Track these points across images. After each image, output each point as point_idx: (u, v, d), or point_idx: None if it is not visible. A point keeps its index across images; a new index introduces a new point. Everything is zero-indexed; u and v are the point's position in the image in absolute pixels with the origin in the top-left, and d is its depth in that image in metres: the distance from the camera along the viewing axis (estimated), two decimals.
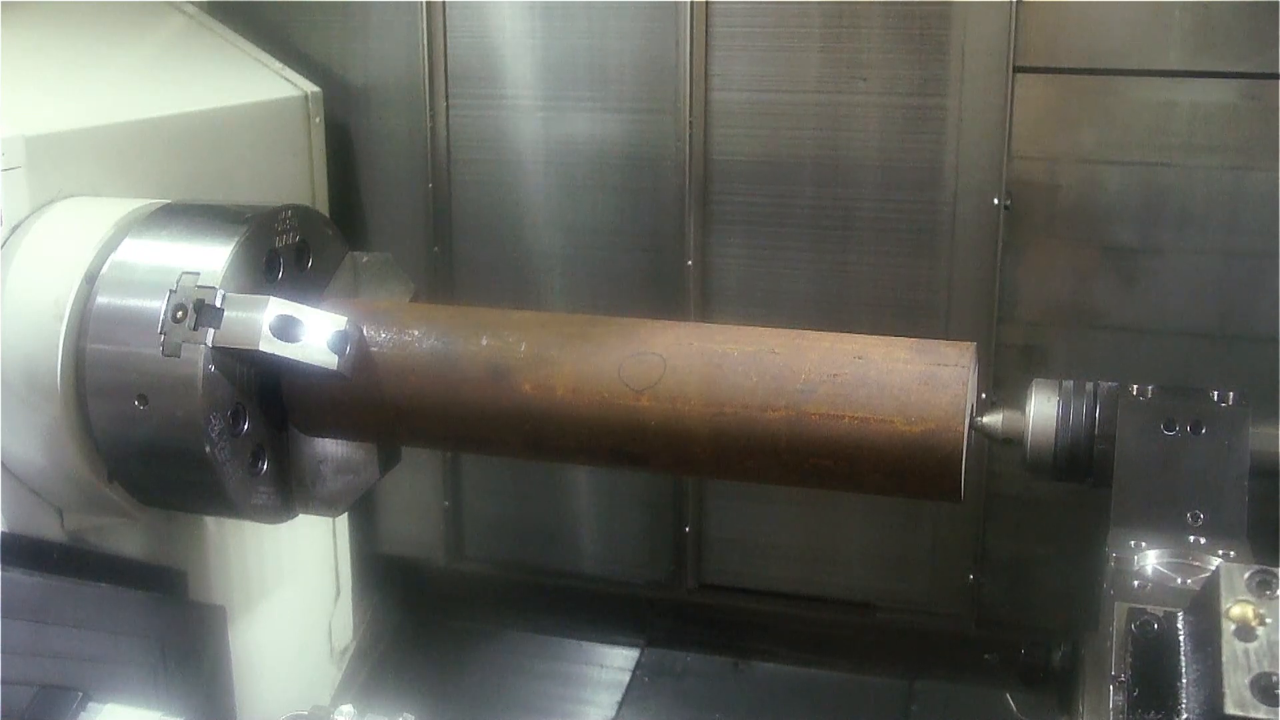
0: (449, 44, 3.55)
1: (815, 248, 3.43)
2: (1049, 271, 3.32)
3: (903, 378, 2.20)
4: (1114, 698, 1.76)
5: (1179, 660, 1.73)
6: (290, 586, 3.35)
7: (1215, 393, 2.33)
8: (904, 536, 3.62)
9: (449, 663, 3.93)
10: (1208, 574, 1.95)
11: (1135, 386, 2.35)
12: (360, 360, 2.42)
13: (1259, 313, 3.15)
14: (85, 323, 2.32)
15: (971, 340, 2.24)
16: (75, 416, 2.34)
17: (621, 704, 3.74)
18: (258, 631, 3.16)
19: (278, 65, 3.40)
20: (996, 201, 3.25)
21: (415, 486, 3.91)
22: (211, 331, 2.25)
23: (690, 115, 3.38)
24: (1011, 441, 2.37)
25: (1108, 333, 3.31)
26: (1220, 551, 2.16)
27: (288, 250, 2.48)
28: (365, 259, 2.67)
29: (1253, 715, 1.49)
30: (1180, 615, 1.81)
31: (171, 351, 2.25)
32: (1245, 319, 3.19)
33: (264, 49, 3.43)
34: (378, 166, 3.71)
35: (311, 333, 2.30)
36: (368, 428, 2.51)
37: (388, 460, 2.62)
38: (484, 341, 2.44)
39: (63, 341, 2.31)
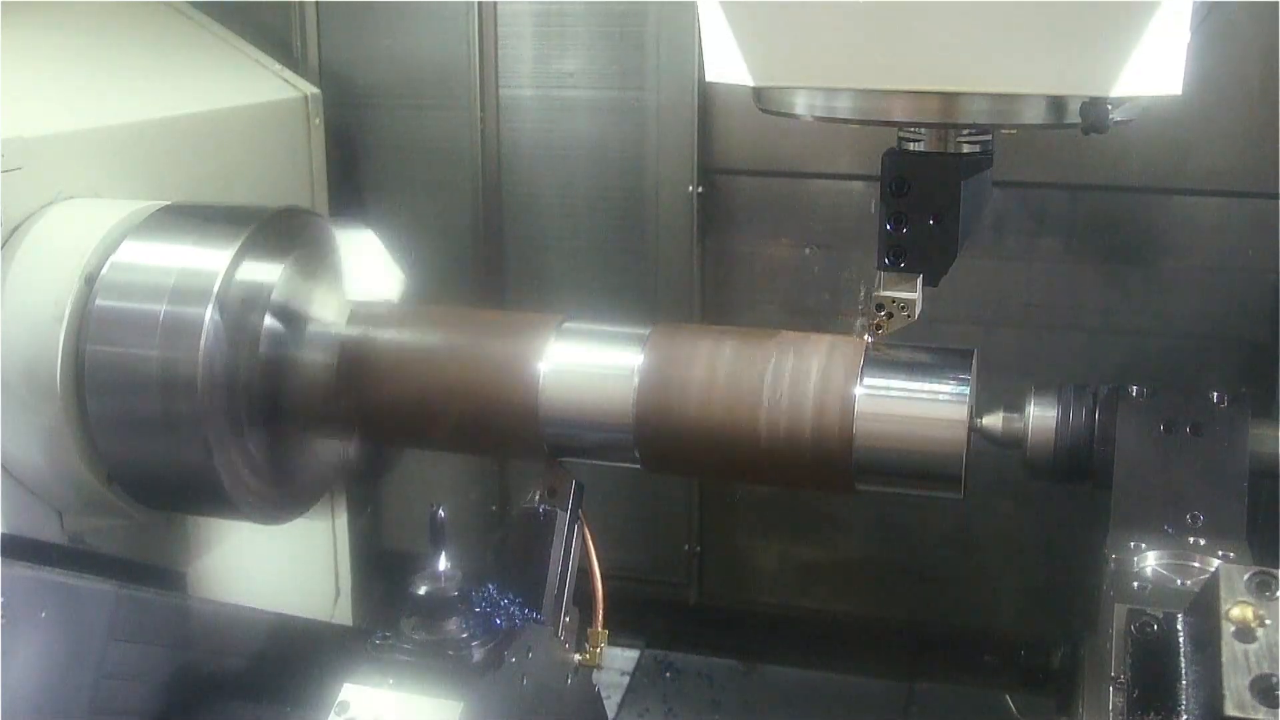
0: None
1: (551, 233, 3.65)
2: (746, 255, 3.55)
3: (903, 379, 2.22)
4: (1113, 699, 1.76)
5: (1179, 662, 1.73)
6: (290, 586, 3.34)
7: (1214, 394, 2.34)
8: None
9: None
10: (1207, 575, 1.95)
11: (1135, 388, 2.36)
12: (359, 362, 2.43)
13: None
14: (85, 324, 2.32)
15: None
16: (75, 418, 2.34)
17: (621, 705, 3.74)
18: None
19: (277, 67, 3.40)
20: (691, 189, 3.43)
21: (417, 486, 3.91)
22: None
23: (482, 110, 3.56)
24: (1011, 443, 2.38)
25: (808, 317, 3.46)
26: (1220, 553, 2.17)
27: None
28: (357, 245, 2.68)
29: (1252, 717, 1.50)
30: (1180, 617, 1.81)
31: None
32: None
33: (263, 50, 3.43)
34: (377, 169, 3.72)
35: None
36: (367, 429, 2.52)
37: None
38: (485, 342, 2.45)
39: (62, 343, 2.30)
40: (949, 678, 3.69)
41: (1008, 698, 2.98)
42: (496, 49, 3.51)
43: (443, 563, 2.02)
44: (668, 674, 3.85)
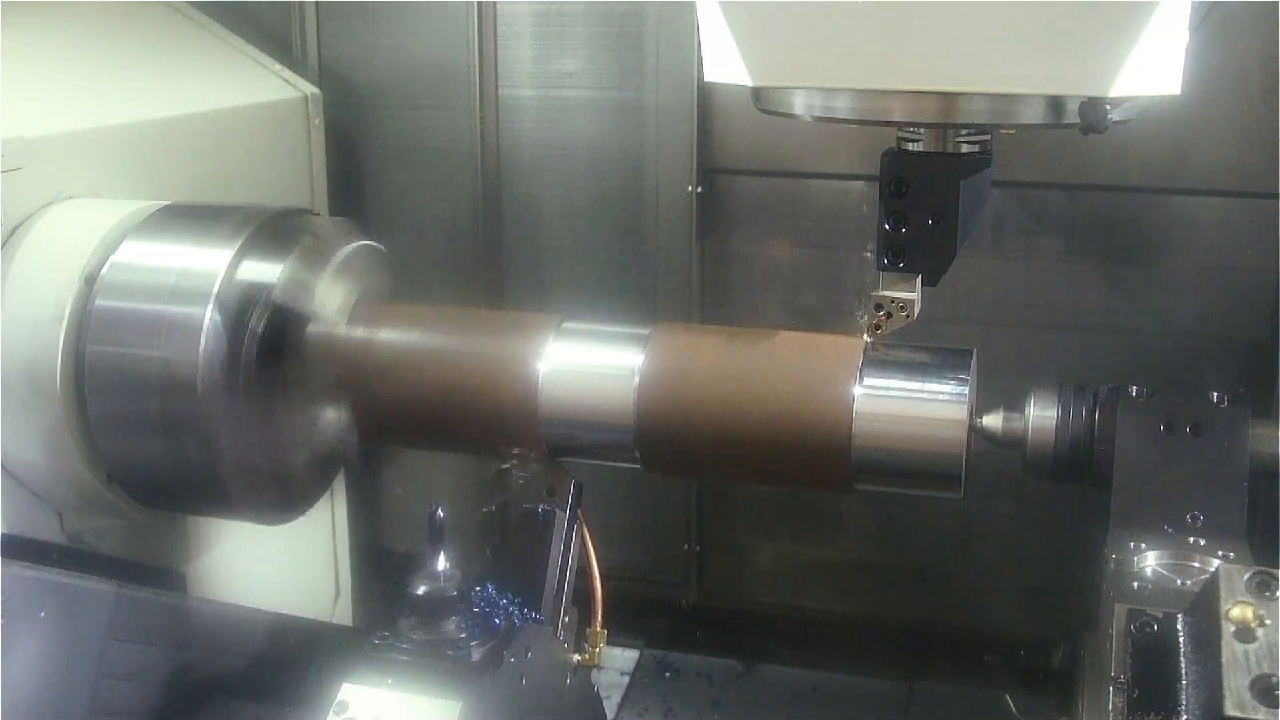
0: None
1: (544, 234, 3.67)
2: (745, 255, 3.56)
3: (903, 379, 2.22)
4: (1113, 699, 1.76)
5: (1179, 662, 1.73)
6: (290, 586, 3.35)
7: (1214, 394, 2.34)
8: None
9: None
10: (1207, 575, 1.95)
11: (1134, 388, 2.36)
12: (358, 362, 2.43)
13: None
14: (85, 324, 2.32)
15: None
16: (75, 418, 2.34)
17: (621, 705, 3.74)
18: None
19: (277, 67, 3.40)
20: (690, 189, 3.44)
21: (417, 486, 3.91)
22: None
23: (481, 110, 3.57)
24: (1011, 443, 2.38)
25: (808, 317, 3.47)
26: (1219, 553, 2.17)
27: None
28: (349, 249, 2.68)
29: (1252, 717, 1.50)
30: (1180, 617, 1.81)
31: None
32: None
33: (263, 50, 3.43)
34: (377, 169, 3.72)
35: None
36: (366, 429, 2.51)
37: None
38: (485, 342, 2.45)
39: (62, 343, 2.31)
40: (949, 678, 3.69)
41: (1008, 698, 2.99)
42: (496, 49, 3.51)
43: (442, 563, 2.02)
44: (667, 674, 3.86)
